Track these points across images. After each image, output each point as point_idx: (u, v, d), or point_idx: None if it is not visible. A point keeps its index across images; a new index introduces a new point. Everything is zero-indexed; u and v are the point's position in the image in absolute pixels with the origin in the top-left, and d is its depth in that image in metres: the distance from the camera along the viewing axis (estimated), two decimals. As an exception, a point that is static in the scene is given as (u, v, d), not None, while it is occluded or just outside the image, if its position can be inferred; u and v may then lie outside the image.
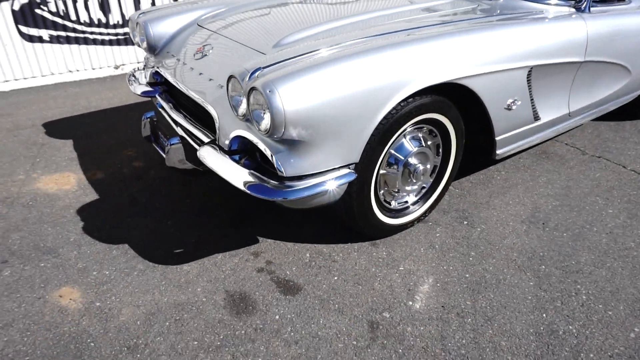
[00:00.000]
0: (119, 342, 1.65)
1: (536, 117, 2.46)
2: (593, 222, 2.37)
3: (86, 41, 4.30)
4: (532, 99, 2.35)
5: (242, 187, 1.75)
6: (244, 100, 1.73)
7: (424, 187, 2.26)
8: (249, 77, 1.67)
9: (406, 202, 2.22)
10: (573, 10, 2.57)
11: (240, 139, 1.86)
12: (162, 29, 2.61)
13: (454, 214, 2.41)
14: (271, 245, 2.16)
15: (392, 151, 2.01)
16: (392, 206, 2.16)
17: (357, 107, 1.69)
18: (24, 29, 4.02)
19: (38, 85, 4.18)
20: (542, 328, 1.76)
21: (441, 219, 2.37)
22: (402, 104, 1.85)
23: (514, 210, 2.46)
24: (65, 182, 2.65)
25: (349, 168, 1.81)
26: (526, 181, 2.75)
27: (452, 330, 1.74)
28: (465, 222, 2.35)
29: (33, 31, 4.06)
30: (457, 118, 2.12)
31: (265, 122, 1.61)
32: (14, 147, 3.06)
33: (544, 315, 1.82)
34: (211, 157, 1.89)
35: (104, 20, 4.30)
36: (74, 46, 4.26)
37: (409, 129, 2.03)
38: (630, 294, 1.92)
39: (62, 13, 4.12)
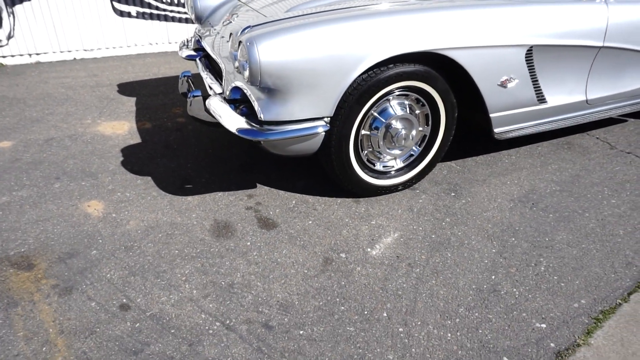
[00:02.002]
0: (120, 242, 2.05)
1: (541, 100, 2.46)
2: (588, 209, 2.34)
3: (166, 18, 4.90)
4: (534, 80, 2.37)
5: (233, 130, 2.05)
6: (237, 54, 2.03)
7: (412, 155, 2.40)
8: (240, 33, 1.97)
9: (392, 166, 2.38)
10: (601, -5, 2.53)
11: (238, 89, 2.16)
12: (207, 2, 3.00)
13: (445, 186, 2.51)
14: (266, 191, 2.45)
15: (375, 113, 2.18)
16: (375, 167, 2.34)
17: (328, 66, 1.90)
18: (117, 5, 4.70)
19: (123, 55, 4.86)
20: (485, 286, 1.85)
21: (430, 188, 2.49)
22: (381, 69, 2.02)
23: (508, 189, 2.50)
24: (120, 128, 3.17)
25: (324, 121, 2.03)
26: (535, 166, 2.74)
27: (397, 275, 1.90)
28: (453, 194, 2.45)
29: (124, 7, 4.74)
30: (445, 90, 2.23)
31: (247, 71, 1.90)
32: (91, 99, 3.67)
33: (493, 277, 1.90)
34: (215, 106, 2.21)
35: (182, 0, 4.87)
36: (156, 22, 4.88)
37: (395, 94, 2.19)
38: (594, 273, 1.92)
39: (148, -8, 4.75)
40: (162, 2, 4.83)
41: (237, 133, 2.03)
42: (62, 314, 1.68)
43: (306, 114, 1.99)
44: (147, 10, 4.81)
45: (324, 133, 2.05)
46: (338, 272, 1.91)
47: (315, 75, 1.91)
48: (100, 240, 2.06)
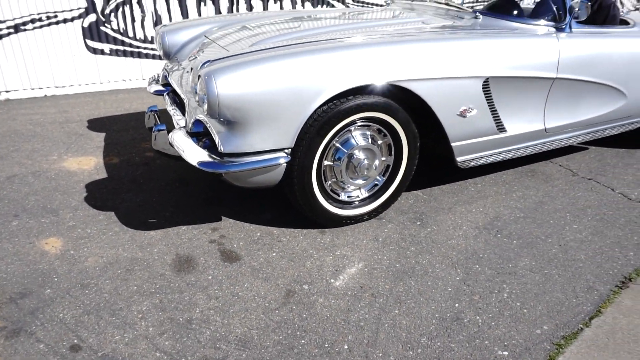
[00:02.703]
0: (76, 280, 1.98)
1: (501, 129, 2.53)
2: (551, 235, 2.37)
3: (140, 55, 4.95)
4: (493, 109, 2.44)
5: (194, 163, 2.04)
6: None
7: (376, 184, 2.42)
8: (199, 67, 2.00)
9: (357, 196, 2.38)
10: (553, 29, 2.65)
11: (200, 123, 2.17)
12: (175, 39, 3.04)
13: (411, 215, 2.52)
14: (230, 223, 2.42)
15: (337, 144, 2.21)
16: (340, 197, 2.34)
17: (287, 98, 1.93)
18: (90, 42, 4.74)
19: (95, 91, 4.86)
20: (448, 315, 1.83)
21: (397, 217, 2.50)
22: (341, 101, 2.06)
23: (473, 217, 2.52)
24: (86, 163, 3.13)
25: (285, 152, 2.04)
26: (500, 194, 2.78)
27: (360, 306, 1.87)
28: (419, 223, 2.46)
29: (97, 45, 4.78)
30: (406, 121, 2.27)
31: (206, 104, 1.91)
32: (59, 135, 3.64)
33: (456, 304, 1.88)
34: (178, 139, 2.21)
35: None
36: (129, 58, 4.92)
37: (357, 125, 2.22)
38: (556, 298, 1.92)
39: (122, 30, 4.81)
40: (136, 40, 4.89)
41: (198, 166, 2.02)
42: (7, 358, 1.60)
43: (266, 145, 2.00)
44: (121, 48, 4.85)
45: (285, 164, 2.06)
46: (300, 304, 1.87)
47: (274, 107, 1.93)
48: (56, 279, 1.99)
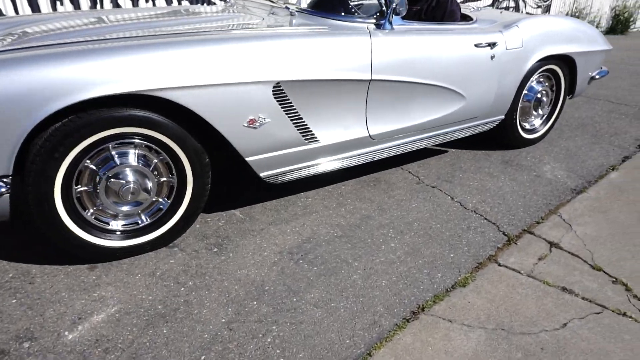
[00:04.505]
0: None
1: (310, 139, 2.25)
2: (360, 257, 2.11)
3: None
4: (295, 117, 2.15)
5: None
6: None
7: (161, 209, 2.09)
8: None
9: (136, 223, 2.05)
10: (373, 27, 2.40)
11: None
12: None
13: (212, 240, 2.21)
14: (-17, 262, 2.03)
15: (91, 165, 1.85)
16: (110, 227, 1.99)
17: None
18: None
19: None
20: (185, 372, 1.52)
21: (193, 244, 2.17)
22: (79, 116, 1.71)
23: (283, 239, 2.23)
24: None
25: (2, 181, 1.67)
26: (328, 209, 2.51)
27: (81, 367, 1.53)
28: (216, 250, 2.14)
29: None
30: (180, 136, 1.94)
31: None
32: None
33: (203, 357, 1.58)
34: None
35: None
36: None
37: (116, 143, 1.88)
38: (327, 340, 1.65)
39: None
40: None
41: None
42: None
43: (-26, 173, 1.62)
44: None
45: (7, 194, 1.69)
46: (5, 370, 1.52)
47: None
48: None
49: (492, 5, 7.44)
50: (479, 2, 7.24)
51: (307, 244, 2.20)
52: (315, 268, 2.03)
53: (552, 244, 2.23)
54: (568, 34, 3.15)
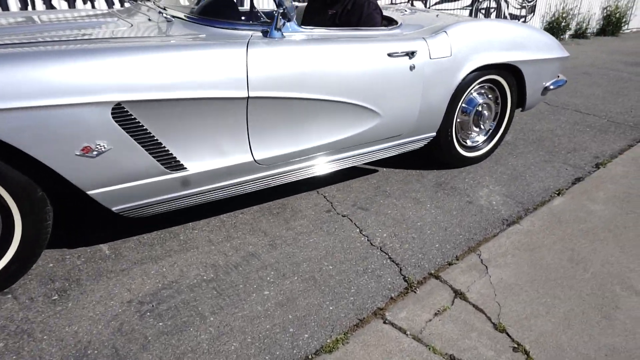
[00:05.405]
0: None
1: (174, 167, 1.92)
2: (222, 309, 1.78)
3: None
4: (149, 143, 1.82)
5: None
6: None
7: (-19, 251, 1.77)
8: None
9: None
10: (260, 34, 2.07)
11: None
12: None
13: (57, 285, 1.89)
14: None
15: None
16: None
17: None
18: None
19: None
20: None
21: (34, 289, 1.85)
22: None
23: (141, 283, 1.90)
24: None
25: None
26: (212, 243, 2.18)
27: None
28: (56, 297, 1.82)
29: None
30: (-5, 164, 1.63)
31: None
32: None
33: None
34: None
35: None
36: None
37: None
38: None
39: None
40: None
41: None
42: None
43: None
44: None
45: None
46: None
47: None
48: None
49: (471, 6, 7.05)
50: (456, 2, 6.86)
51: (165, 291, 1.87)
52: (160, 324, 1.70)
53: (457, 293, 1.89)
54: (510, 41, 2.79)
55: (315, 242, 2.20)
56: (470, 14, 7.13)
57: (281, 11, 2.04)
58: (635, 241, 2.25)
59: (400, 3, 6.42)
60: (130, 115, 1.74)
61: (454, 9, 6.90)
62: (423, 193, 2.68)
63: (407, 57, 2.36)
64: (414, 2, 6.56)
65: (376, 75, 2.28)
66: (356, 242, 2.21)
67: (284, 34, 2.10)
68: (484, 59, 2.65)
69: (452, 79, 2.58)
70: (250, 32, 2.07)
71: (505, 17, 7.59)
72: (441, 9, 6.76)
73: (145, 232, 2.25)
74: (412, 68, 2.38)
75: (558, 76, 3.27)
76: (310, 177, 2.48)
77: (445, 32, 2.52)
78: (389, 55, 2.30)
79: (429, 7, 6.65)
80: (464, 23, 2.62)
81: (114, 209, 1.88)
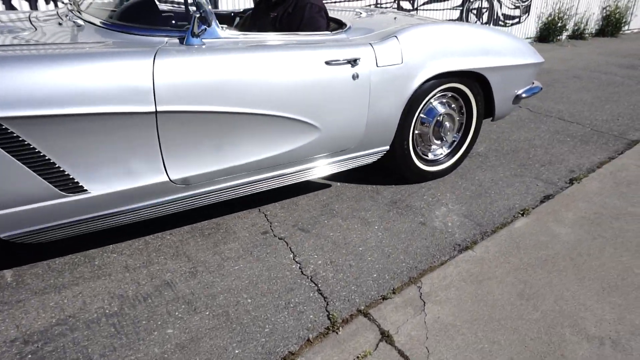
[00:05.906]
0: None
1: (72, 189, 1.72)
2: (112, 352, 1.58)
3: None
4: (35, 163, 1.62)
5: None
6: None
7: None
8: None
9: None
10: (176, 41, 1.87)
11: None
12: None
13: (-60, 319, 1.70)
14: None
15: None
16: None
17: None
18: None
19: None
20: None
21: None
22: None
23: (34, 318, 1.71)
24: None
25: None
26: (127, 270, 1.98)
27: None
28: None
29: None
30: None
31: None
32: None
33: None
34: None
35: None
36: None
37: None
38: None
39: None
40: None
41: None
42: None
43: None
44: None
45: None
46: None
47: None
48: None
49: (462, 6, 6.79)
50: (446, 2, 6.60)
51: (58, 327, 1.67)
52: (40, 369, 1.51)
53: (384, 335, 1.67)
54: (474, 46, 2.56)
55: (240, 269, 2.00)
56: (461, 15, 6.88)
57: (198, 15, 1.83)
58: (597, 272, 2.02)
59: (386, 4, 6.19)
60: (10, 132, 1.54)
61: (443, 10, 6.66)
62: (374, 212, 2.47)
63: (349, 65, 2.14)
64: (401, 3, 6.32)
65: (312, 85, 2.07)
66: (286, 270, 2.00)
67: (204, 40, 1.90)
68: (442, 66, 2.43)
69: (404, 88, 2.35)
70: (165, 39, 1.87)
71: (498, 18, 7.32)
72: (429, 10, 6.52)
73: (58, 256, 2.06)
74: (355, 77, 2.17)
75: (532, 83, 3.04)
76: (252, 195, 2.28)
77: (396, 37, 2.30)
78: (327, 63, 2.08)
79: (416, 8, 6.41)
80: (418, 27, 2.39)
81: (1, 236, 1.69)
